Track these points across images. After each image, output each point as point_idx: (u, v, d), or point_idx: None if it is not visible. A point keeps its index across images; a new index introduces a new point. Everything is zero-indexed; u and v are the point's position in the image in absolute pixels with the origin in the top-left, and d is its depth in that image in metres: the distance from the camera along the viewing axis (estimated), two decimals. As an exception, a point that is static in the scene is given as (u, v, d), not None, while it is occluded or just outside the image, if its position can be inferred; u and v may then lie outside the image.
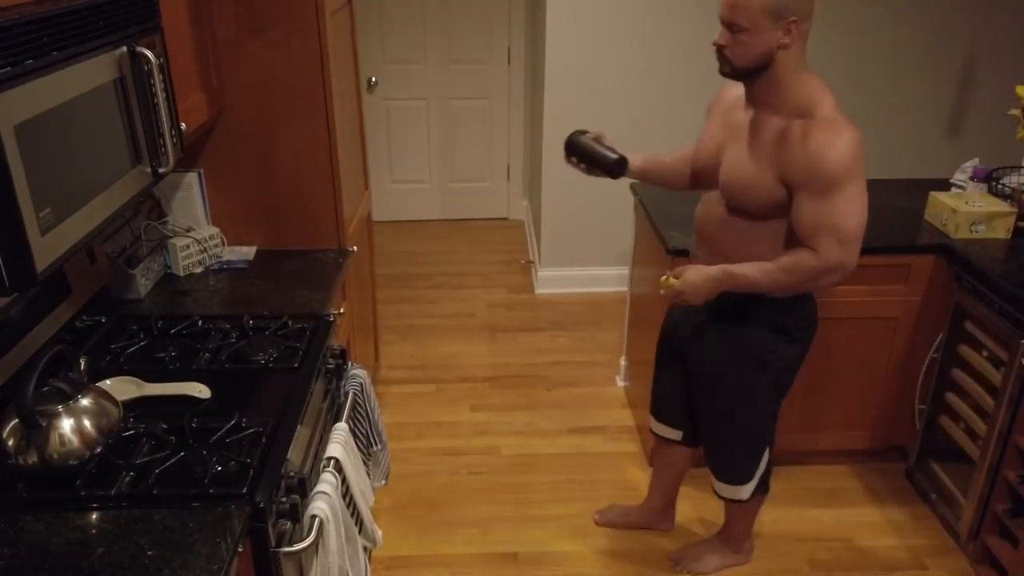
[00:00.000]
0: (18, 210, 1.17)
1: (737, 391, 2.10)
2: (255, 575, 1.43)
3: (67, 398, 1.40)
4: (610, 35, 3.71)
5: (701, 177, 2.06)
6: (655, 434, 2.43)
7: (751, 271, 1.85)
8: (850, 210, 1.73)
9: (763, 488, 2.25)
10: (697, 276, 1.89)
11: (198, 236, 2.27)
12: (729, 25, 1.73)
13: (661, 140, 3.93)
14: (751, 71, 1.77)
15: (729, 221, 1.93)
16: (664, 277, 1.94)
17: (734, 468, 2.21)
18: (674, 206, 2.85)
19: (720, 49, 1.76)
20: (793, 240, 1.83)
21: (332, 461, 1.71)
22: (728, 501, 2.29)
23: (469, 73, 4.76)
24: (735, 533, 2.42)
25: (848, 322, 2.63)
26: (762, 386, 2.07)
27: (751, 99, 1.86)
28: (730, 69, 1.78)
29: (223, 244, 2.36)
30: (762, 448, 2.19)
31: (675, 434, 2.36)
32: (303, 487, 1.52)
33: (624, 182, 3.89)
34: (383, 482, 2.21)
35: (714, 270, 1.88)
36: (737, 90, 1.92)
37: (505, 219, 5.20)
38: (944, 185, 2.90)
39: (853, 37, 3.78)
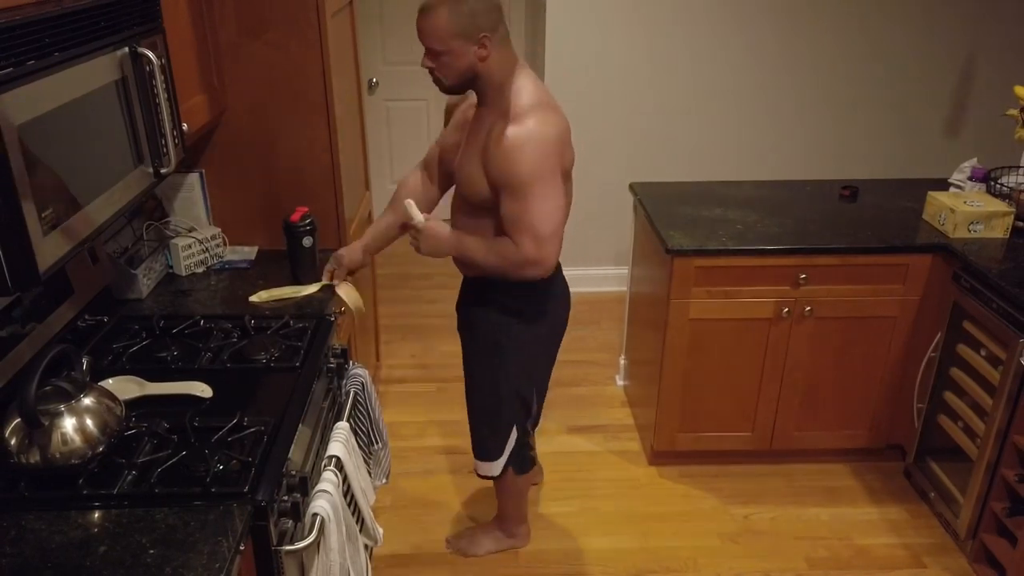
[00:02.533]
0: (20, 210, 1.18)
1: (479, 370, 2.23)
2: (257, 573, 1.44)
3: (69, 397, 1.41)
4: (610, 35, 3.72)
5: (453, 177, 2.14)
6: None
7: (476, 244, 1.95)
8: (543, 209, 1.82)
9: (518, 467, 2.34)
10: (439, 228, 1.98)
11: (200, 236, 2.28)
12: (427, 50, 1.82)
13: (661, 139, 3.95)
14: (463, 86, 1.88)
15: (463, 208, 2.05)
16: (418, 214, 1.98)
17: (483, 444, 2.32)
18: (674, 206, 2.86)
19: (430, 71, 1.86)
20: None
21: (333, 460, 1.71)
22: (483, 478, 2.39)
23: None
24: (506, 515, 2.50)
25: (847, 321, 2.64)
26: (500, 366, 2.16)
27: (478, 99, 1.96)
28: (444, 87, 1.89)
29: (224, 244, 2.37)
30: (508, 426, 2.26)
31: None
32: (304, 486, 1.53)
33: (624, 181, 3.91)
34: (384, 481, 2.22)
35: (452, 233, 1.98)
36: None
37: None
38: (942, 185, 2.91)
39: (852, 37, 3.79)
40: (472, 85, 1.88)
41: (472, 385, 2.27)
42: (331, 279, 2.19)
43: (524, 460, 2.34)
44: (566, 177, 1.91)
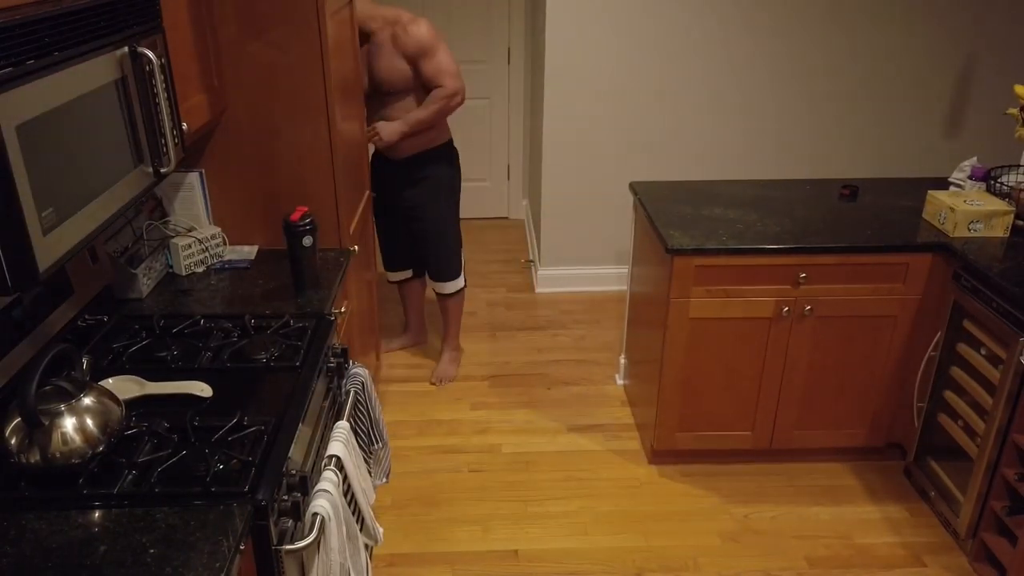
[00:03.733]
0: (20, 210, 1.18)
1: (443, 210, 3.21)
2: (257, 573, 1.44)
3: (69, 397, 1.41)
4: (610, 35, 3.72)
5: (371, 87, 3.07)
6: (392, 281, 3.50)
7: (416, 111, 2.98)
8: (447, 58, 2.94)
9: (464, 278, 3.40)
10: (389, 124, 2.99)
11: (200, 236, 2.28)
12: None
13: (661, 139, 3.95)
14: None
15: (384, 104, 3.02)
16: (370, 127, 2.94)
17: (450, 266, 3.30)
18: (674, 205, 2.86)
19: None
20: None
21: (333, 459, 1.71)
22: (449, 297, 3.36)
23: (469, 73, 4.72)
24: (455, 331, 3.47)
25: (847, 320, 2.64)
26: (453, 203, 3.24)
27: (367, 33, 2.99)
28: None
29: (225, 244, 2.37)
30: (461, 245, 3.35)
31: (406, 273, 3.46)
32: (304, 485, 1.53)
33: (624, 180, 3.91)
34: (384, 480, 2.22)
35: (398, 122, 2.99)
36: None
37: (505, 218, 5.20)
38: (943, 184, 2.91)
39: (853, 36, 3.79)
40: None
41: (437, 223, 3.20)
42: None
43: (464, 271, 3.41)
44: None
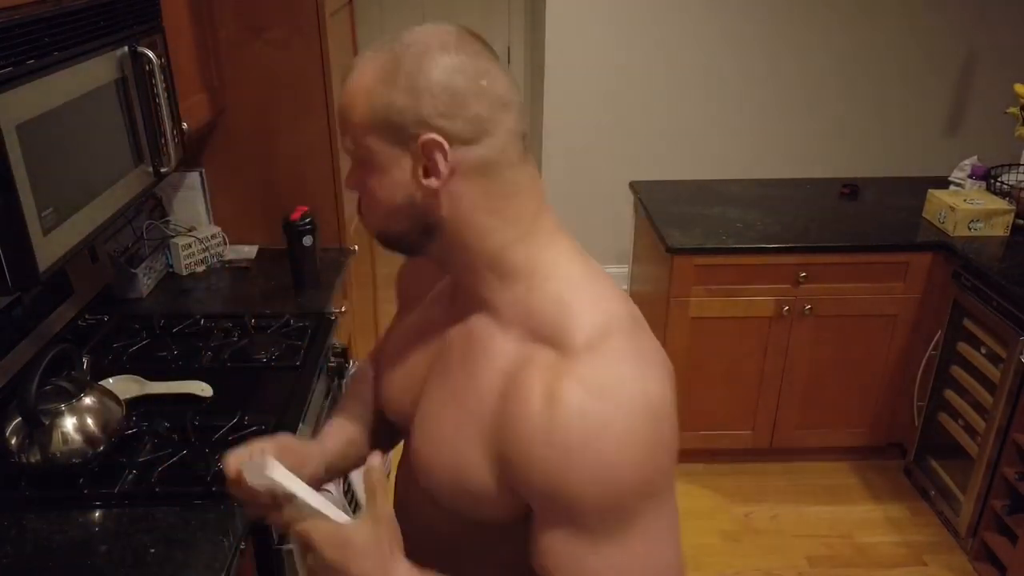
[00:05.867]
0: (20, 210, 1.18)
1: None
2: (257, 573, 1.44)
3: (70, 397, 1.41)
4: (610, 35, 3.72)
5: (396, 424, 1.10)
6: None
7: None
8: (651, 562, 0.81)
9: None
10: (318, 524, 0.92)
11: (200, 235, 2.28)
12: (349, 152, 0.88)
13: (661, 138, 3.95)
14: (402, 240, 0.89)
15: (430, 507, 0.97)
16: (311, 498, 0.97)
17: None
18: (674, 205, 2.86)
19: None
20: None
21: (333, 459, 1.71)
22: None
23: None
24: None
25: (847, 320, 2.64)
26: None
27: (453, 281, 0.97)
28: (374, 232, 0.91)
29: (225, 243, 2.37)
30: None
31: None
32: (305, 485, 1.53)
33: (624, 180, 3.91)
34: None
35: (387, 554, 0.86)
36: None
37: (505, 218, 5.20)
38: (943, 183, 2.91)
39: (852, 35, 3.79)
40: (427, 247, 0.89)
41: None
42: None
43: None
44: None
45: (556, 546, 0.81)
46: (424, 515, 0.98)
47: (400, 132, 0.81)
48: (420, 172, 0.82)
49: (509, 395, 0.82)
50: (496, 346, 0.86)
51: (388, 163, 0.83)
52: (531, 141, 4.09)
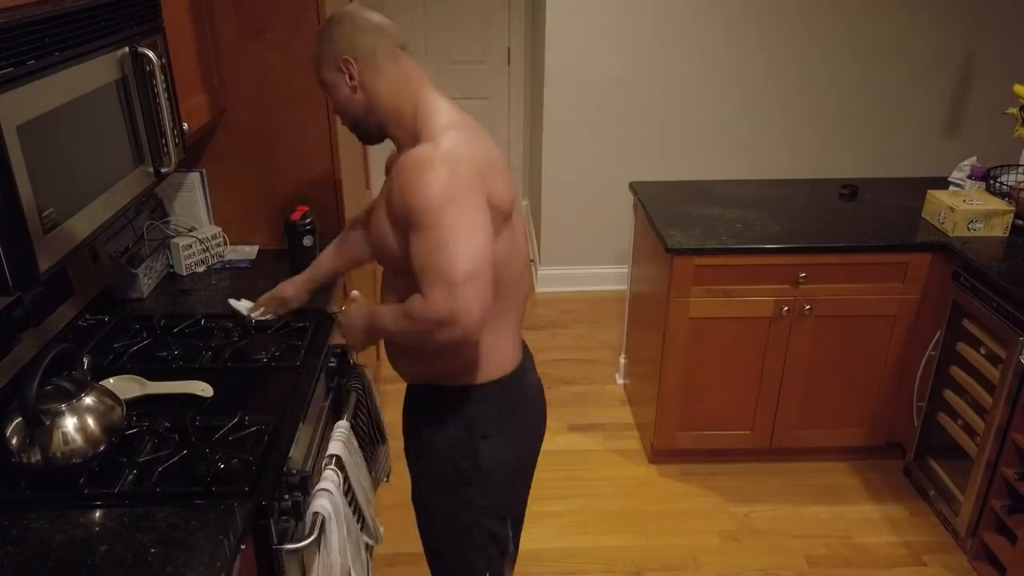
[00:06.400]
0: (21, 210, 1.18)
1: (436, 504, 1.66)
2: (258, 572, 1.44)
3: (70, 397, 1.41)
4: (610, 35, 3.72)
5: None
6: None
7: (386, 311, 1.49)
8: (456, 244, 1.34)
9: None
10: (359, 311, 1.58)
11: (200, 236, 2.28)
12: (323, 87, 1.55)
13: (661, 139, 3.95)
14: (364, 129, 1.56)
15: (388, 284, 1.61)
16: (341, 307, 1.65)
17: None
18: (674, 205, 2.86)
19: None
20: None
21: (334, 459, 1.71)
22: None
23: (469, 73, 4.76)
24: None
25: (846, 320, 2.64)
26: (464, 498, 1.61)
27: (395, 146, 1.59)
28: (358, 135, 1.60)
29: (225, 243, 2.37)
30: (479, 574, 1.69)
31: None
32: (305, 485, 1.53)
33: (624, 180, 3.91)
34: (385, 480, 2.22)
35: (368, 310, 1.55)
36: None
37: (505, 218, 5.20)
38: (942, 183, 2.91)
39: (852, 36, 3.79)
40: (377, 128, 1.54)
41: (426, 523, 1.71)
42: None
43: None
44: (498, 213, 1.44)
45: (412, 245, 1.40)
46: (383, 288, 1.63)
47: (333, 63, 1.49)
48: (347, 79, 1.49)
49: (391, 182, 1.49)
50: (399, 160, 1.46)
51: (335, 84, 1.51)
52: (531, 141, 4.15)
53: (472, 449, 1.57)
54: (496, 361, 1.58)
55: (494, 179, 1.44)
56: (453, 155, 1.39)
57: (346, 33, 1.47)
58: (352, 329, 1.59)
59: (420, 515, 1.72)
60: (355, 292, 1.63)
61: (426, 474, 1.66)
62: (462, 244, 1.35)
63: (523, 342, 1.71)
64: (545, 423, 1.77)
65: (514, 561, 1.91)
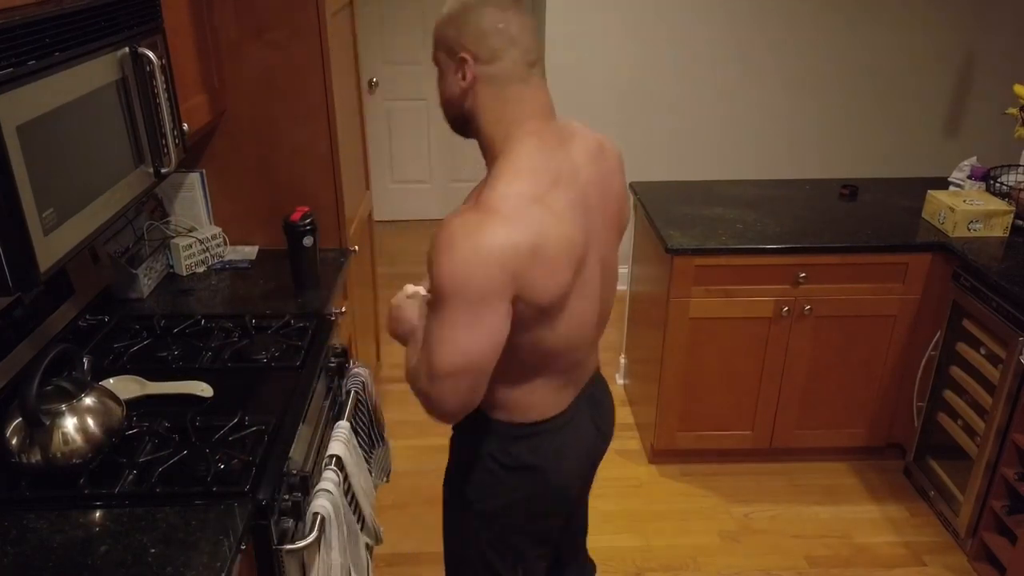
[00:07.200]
0: (21, 210, 1.18)
1: (447, 518, 1.72)
2: (258, 573, 1.44)
3: (70, 397, 1.41)
4: (610, 36, 3.72)
5: None
6: None
7: (417, 337, 1.37)
8: (447, 337, 1.24)
9: None
10: (411, 312, 1.42)
11: (200, 236, 2.28)
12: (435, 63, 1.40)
13: (660, 139, 3.95)
14: (457, 125, 1.41)
15: None
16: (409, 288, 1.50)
17: None
18: (674, 205, 2.86)
19: None
20: (517, 354, 1.34)
21: (334, 459, 1.72)
22: None
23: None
24: None
25: (846, 320, 2.64)
26: (466, 526, 1.62)
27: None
28: (447, 120, 1.42)
29: (225, 244, 2.37)
30: None
31: None
32: (305, 485, 1.53)
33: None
34: (385, 480, 2.22)
35: (416, 322, 1.40)
36: None
37: (505, 218, 5.20)
38: (942, 184, 2.91)
39: (852, 36, 3.79)
40: (467, 132, 1.39)
41: (448, 546, 1.77)
42: None
43: None
44: (531, 308, 1.28)
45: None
46: None
47: (451, 52, 1.32)
48: (459, 76, 1.32)
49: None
50: (447, 217, 1.27)
51: (445, 69, 1.35)
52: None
53: (480, 479, 1.52)
54: (522, 409, 1.46)
55: (539, 273, 1.24)
56: (489, 237, 1.20)
57: (482, 27, 1.28)
58: (397, 322, 1.45)
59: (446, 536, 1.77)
60: (419, 288, 1.46)
61: (447, 474, 1.68)
62: (458, 339, 1.23)
63: (585, 393, 1.55)
64: (589, 477, 1.70)
65: None
